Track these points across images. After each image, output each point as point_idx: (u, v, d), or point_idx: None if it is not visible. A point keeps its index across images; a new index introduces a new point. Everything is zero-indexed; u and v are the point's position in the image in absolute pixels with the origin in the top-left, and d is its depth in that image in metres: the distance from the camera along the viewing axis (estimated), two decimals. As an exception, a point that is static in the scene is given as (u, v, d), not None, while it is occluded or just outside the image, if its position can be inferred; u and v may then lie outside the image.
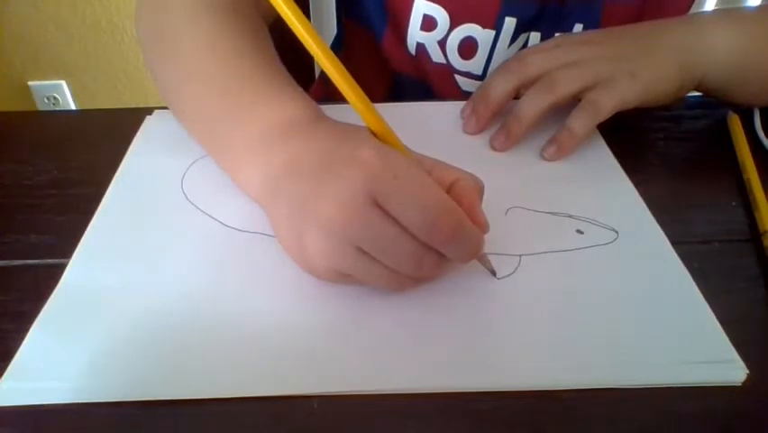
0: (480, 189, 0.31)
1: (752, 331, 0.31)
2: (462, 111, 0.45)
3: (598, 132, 0.45)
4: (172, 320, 0.31)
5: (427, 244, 0.28)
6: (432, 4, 0.49)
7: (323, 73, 0.67)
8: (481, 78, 0.53)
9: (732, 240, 0.37)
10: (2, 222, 0.38)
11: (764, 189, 0.39)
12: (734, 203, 0.39)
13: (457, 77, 0.55)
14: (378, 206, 0.27)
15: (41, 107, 1.55)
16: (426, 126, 0.46)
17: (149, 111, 0.47)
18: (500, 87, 0.42)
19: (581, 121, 0.41)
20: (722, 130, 0.46)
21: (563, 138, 0.41)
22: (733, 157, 0.43)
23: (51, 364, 0.29)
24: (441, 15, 0.50)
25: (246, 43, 0.39)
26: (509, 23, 0.49)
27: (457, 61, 0.53)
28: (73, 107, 1.57)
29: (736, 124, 0.46)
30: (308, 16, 0.76)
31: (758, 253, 0.35)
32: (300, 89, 0.37)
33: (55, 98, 1.56)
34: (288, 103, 0.35)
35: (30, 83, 1.54)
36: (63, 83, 1.54)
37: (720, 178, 0.42)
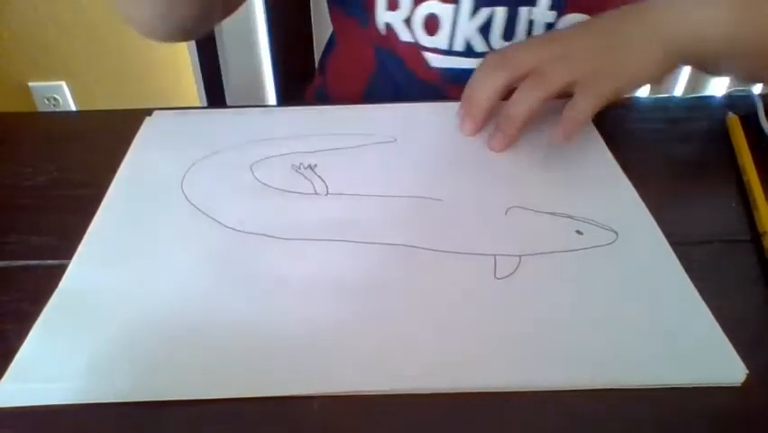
0: None
1: (752, 331, 0.31)
2: (457, 113, 0.45)
3: (597, 132, 0.45)
4: (172, 321, 0.31)
5: None
6: None
7: (321, 68, 0.67)
8: (447, 52, 0.54)
9: (732, 240, 0.37)
10: (2, 222, 0.38)
11: (764, 189, 0.39)
12: (734, 203, 0.39)
13: (425, 54, 0.55)
14: None
15: (41, 108, 1.54)
16: (427, 126, 0.46)
17: (149, 111, 0.47)
18: (488, 89, 0.42)
19: (580, 107, 0.40)
20: (722, 130, 0.47)
21: (566, 122, 0.41)
22: (733, 157, 0.43)
23: (52, 365, 0.29)
24: None
25: None
26: None
27: (423, 38, 0.54)
28: (73, 108, 1.57)
29: (735, 124, 0.46)
30: (309, 16, 0.76)
31: (758, 253, 0.35)
32: None
33: (55, 99, 1.55)
34: None
35: (30, 83, 1.54)
36: (63, 84, 1.54)
37: (720, 178, 0.42)
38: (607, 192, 0.40)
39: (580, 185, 0.40)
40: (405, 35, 0.53)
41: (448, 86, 0.56)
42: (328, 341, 0.30)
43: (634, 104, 0.51)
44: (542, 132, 0.46)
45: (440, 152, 0.43)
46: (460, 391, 0.28)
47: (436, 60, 0.55)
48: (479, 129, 0.44)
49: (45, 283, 0.32)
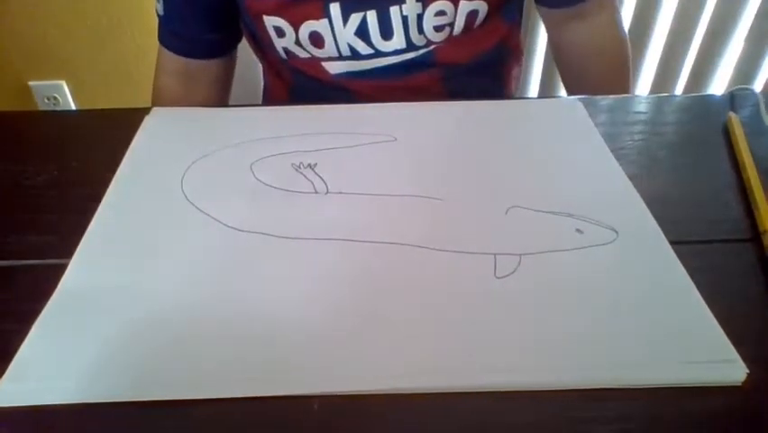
0: None
1: (752, 331, 0.31)
2: None
3: (597, 131, 0.45)
4: (171, 320, 0.31)
5: None
6: (274, 17, 0.55)
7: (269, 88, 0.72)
8: (339, 58, 0.58)
9: (732, 240, 0.37)
10: (2, 222, 0.38)
11: (764, 189, 0.39)
12: (734, 203, 0.39)
13: (324, 63, 0.59)
14: None
15: (41, 107, 1.54)
16: (426, 126, 0.46)
17: (148, 110, 0.47)
18: None
19: None
20: (722, 129, 0.47)
21: None
22: (733, 157, 0.43)
23: (51, 365, 0.29)
24: (284, 24, 0.55)
25: None
26: (334, 8, 0.54)
27: (316, 52, 0.57)
28: (73, 107, 1.57)
29: (735, 124, 0.46)
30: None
31: (758, 253, 0.35)
32: None
33: (55, 98, 1.55)
34: None
35: (30, 83, 1.54)
36: (63, 83, 1.54)
37: (720, 178, 0.42)
38: (607, 191, 0.40)
39: (580, 184, 0.40)
40: (302, 53, 0.58)
41: (353, 83, 0.59)
42: (328, 340, 0.30)
43: (634, 102, 0.51)
44: (541, 133, 0.46)
45: (440, 152, 0.43)
46: (459, 390, 0.28)
47: (333, 67, 0.59)
48: None
49: (45, 282, 0.32)
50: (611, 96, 0.52)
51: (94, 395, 0.27)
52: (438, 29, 0.56)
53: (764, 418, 0.27)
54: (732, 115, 0.47)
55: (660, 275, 0.33)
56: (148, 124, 0.46)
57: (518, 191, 0.39)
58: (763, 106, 0.48)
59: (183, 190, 0.39)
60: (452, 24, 0.56)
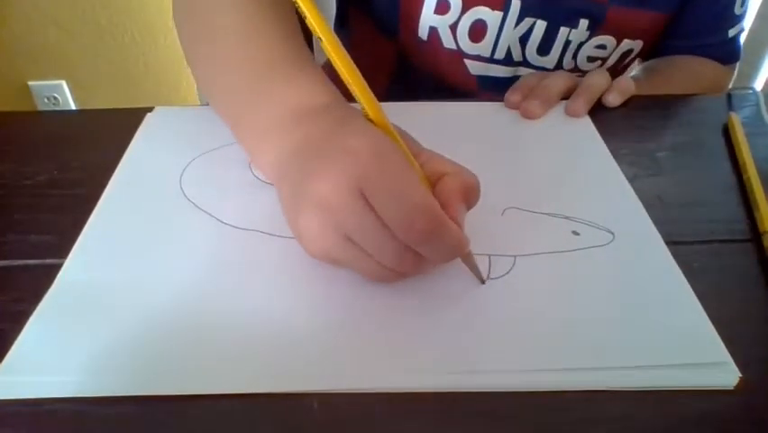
0: (465, 188, 0.31)
1: (752, 331, 0.31)
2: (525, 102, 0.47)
3: (596, 131, 0.45)
4: (169, 317, 0.31)
5: (405, 242, 0.28)
6: None
7: (326, 64, 0.68)
8: (489, 60, 0.55)
9: (732, 240, 0.36)
10: (2, 222, 0.38)
11: (764, 189, 0.39)
12: (734, 203, 0.39)
13: (467, 61, 0.56)
14: (364, 196, 0.28)
15: (41, 107, 1.55)
16: (424, 126, 0.46)
17: (150, 109, 0.47)
18: (561, 85, 0.48)
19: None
20: (722, 129, 0.47)
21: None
22: (733, 157, 0.43)
23: (47, 358, 0.29)
24: (455, 1, 0.51)
25: (276, 27, 0.41)
26: (515, 4, 0.51)
27: (467, 45, 0.54)
28: (73, 107, 1.57)
29: (736, 123, 0.46)
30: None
31: (758, 253, 0.35)
32: (321, 73, 0.38)
33: (55, 98, 1.55)
34: (308, 88, 0.37)
35: (30, 83, 1.54)
36: (63, 83, 1.54)
37: (720, 178, 0.42)
38: (604, 192, 0.39)
39: (577, 185, 0.40)
40: (448, 42, 0.54)
41: (483, 93, 0.57)
42: (328, 339, 0.30)
43: (633, 102, 0.50)
44: (539, 132, 0.46)
45: (438, 151, 0.43)
46: (458, 391, 0.28)
47: (476, 68, 0.56)
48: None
49: (44, 283, 0.32)
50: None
51: (91, 389, 0.27)
52: (591, 59, 0.54)
53: (764, 419, 0.27)
54: (732, 115, 0.47)
55: (656, 277, 0.33)
56: (149, 121, 0.46)
57: (515, 192, 0.39)
58: (763, 106, 0.48)
59: (181, 187, 0.39)
60: (605, 59, 0.55)
